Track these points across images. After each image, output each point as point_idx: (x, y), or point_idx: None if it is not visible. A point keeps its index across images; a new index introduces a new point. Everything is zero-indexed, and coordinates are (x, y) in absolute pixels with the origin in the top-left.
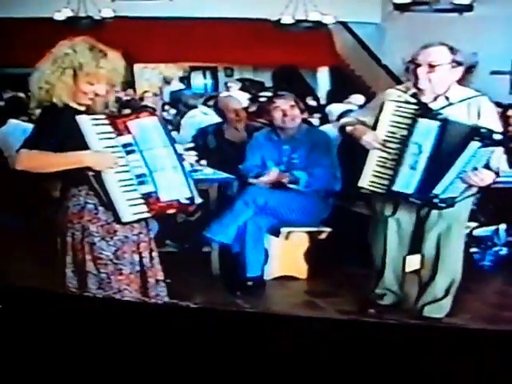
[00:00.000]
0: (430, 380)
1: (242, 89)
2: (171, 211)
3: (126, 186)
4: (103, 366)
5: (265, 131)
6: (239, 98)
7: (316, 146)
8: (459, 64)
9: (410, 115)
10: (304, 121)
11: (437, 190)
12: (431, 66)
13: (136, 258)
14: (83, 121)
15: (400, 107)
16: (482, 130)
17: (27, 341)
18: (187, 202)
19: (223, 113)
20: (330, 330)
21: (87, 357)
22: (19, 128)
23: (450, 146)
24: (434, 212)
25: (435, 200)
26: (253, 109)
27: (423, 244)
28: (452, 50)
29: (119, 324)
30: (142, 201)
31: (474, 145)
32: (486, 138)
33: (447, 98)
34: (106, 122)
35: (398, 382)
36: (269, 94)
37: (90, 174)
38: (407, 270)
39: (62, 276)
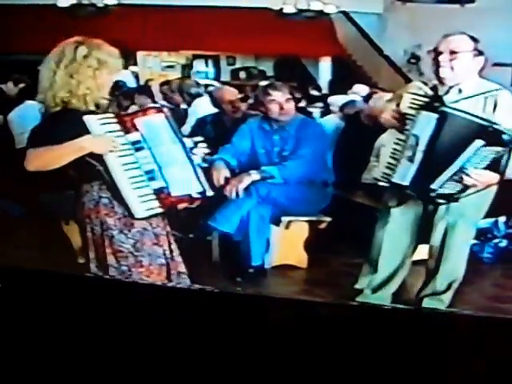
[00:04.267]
0: (425, 362)
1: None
2: (182, 205)
3: (136, 182)
4: (104, 345)
5: (258, 119)
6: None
7: (303, 137)
8: (480, 53)
9: (418, 107)
10: (304, 110)
11: (435, 185)
12: (453, 53)
13: (157, 250)
14: (91, 121)
15: (414, 99)
16: (489, 129)
17: (26, 319)
18: (199, 196)
19: (219, 103)
20: (327, 313)
21: (87, 337)
22: (35, 108)
23: (451, 140)
24: (442, 207)
25: (432, 194)
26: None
27: (431, 235)
28: (473, 38)
29: (122, 305)
30: (153, 196)
31: (478, 143)
32: (491, 136)
33: (460, 91)
34: (114, 120)
35: (395, 365)
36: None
37: (101, 168)
38: (414, 258)
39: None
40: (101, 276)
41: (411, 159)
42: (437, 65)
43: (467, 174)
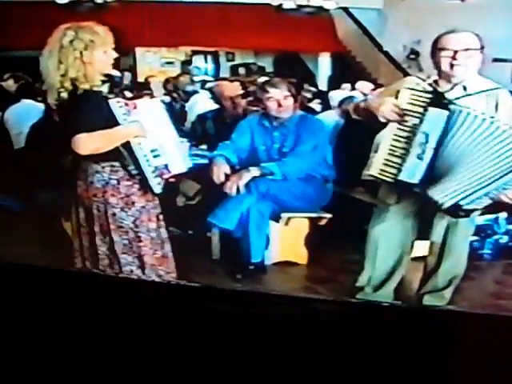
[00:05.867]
0: (424, 358)
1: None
2: (173, 180)
3: (147, 160)
4: (102, 342)
5: (257, 115)
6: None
7: (303, 134)
8: (483, 50)
9: (423, 104)
10: (304, 106)
11: (463, 201)
12: (467, 51)
13: (151, 225)
14: (114, 104)
15: (415, 95)
16: None
17: (23, 315)
18: (187, 170)
19: (219, 100)
20: (327, 311)
21: (85, 334)
22: (32, 108)
23: (482, 148)
24: None
25: (459, 211)
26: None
27: (432, 232)
28: (477, 35)
29: (121, 302)
30: (157, 173)
31: None
32: None
33: (465, 88)
34: (123, 103)
35: (395, 362)
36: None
37: (123, 151)
38: (413, 255)
39: (83, 247)
40: (100, 273)
41: (420, 157)
42: (450, 64)
43: (505, 194)
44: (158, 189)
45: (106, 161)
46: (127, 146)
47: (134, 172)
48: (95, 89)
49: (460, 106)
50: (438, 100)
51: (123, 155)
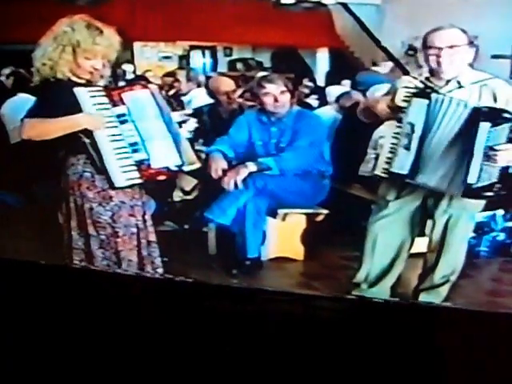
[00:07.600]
0: (418, 353)
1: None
2: (161, 177)
3: (120, 153)
4: (98, 336)
5: (255, 110)
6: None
7: (300, 129)
8: (472, 45)
9: (410, 99)
10: (302, 102)
11: (470, 179)
12: (452, 48)
13: (132, 221)
14: (81, 92)
15: (408, 93)
16: (485, 110)
17: (20, 310)
18: (176, 169)
19: (214, 94)
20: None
21: (82, 329)
22: (29, 101)
23: (452, 127)
24: (444, 201)
25: (471, 190)
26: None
27: (432, 229)
28: (464, 31)
29: (116, 297)
30: (134, 167)
31: (485, 125)
32: (492, 116)
33: (459, 82)
34: (103, 93)
35: (391, 357)
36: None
37: (87, 141)
38: (412, 251)
39: (66, 241)
40: (97, 269)
41: (407, 147)
42: (437, 61)
43: (495, 154)
44: (123, 183)
45: (82, 153)
46: (91, 137)
47: (98, 165)
48: (59, 77)
49: (440, 94)
50: (420, 91)
51: (88, 148)
